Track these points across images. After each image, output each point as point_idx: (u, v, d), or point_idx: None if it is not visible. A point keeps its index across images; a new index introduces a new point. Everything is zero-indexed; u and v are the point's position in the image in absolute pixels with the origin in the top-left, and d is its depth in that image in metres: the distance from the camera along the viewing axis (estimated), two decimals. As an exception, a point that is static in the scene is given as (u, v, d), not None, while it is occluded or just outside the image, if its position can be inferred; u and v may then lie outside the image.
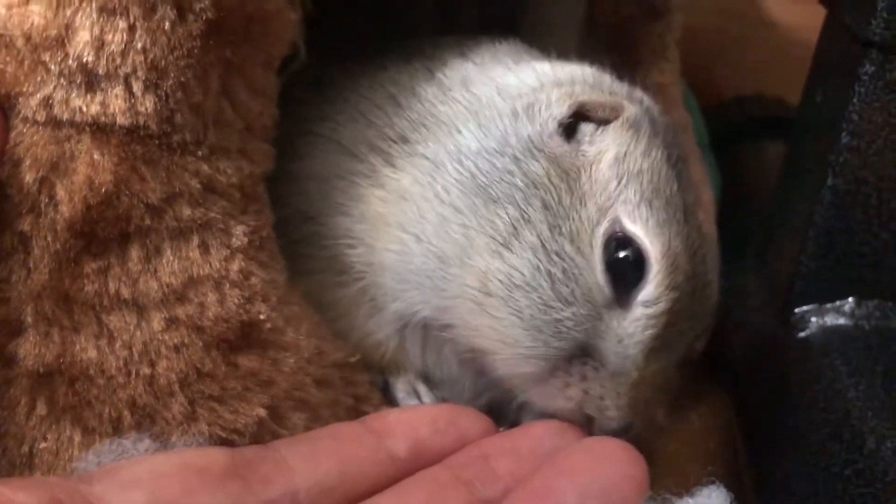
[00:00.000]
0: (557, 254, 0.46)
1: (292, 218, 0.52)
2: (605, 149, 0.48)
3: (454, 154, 0.50)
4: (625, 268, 0.46)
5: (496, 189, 0.48)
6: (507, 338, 0.47)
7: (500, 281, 0.47)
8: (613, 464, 0.40)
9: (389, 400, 0.54)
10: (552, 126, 0.49)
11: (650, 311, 0.46)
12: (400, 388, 0.54)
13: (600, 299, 0.46)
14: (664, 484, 0.48)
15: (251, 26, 0.45)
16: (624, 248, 0.46)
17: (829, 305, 0.63)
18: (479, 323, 0.48)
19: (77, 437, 0.44)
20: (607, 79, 0.54)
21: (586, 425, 0.48)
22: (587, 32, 0.71)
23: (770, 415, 0.63)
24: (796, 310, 0.63)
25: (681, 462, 0.68)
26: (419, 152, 0.51)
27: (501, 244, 0.47)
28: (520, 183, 0.48)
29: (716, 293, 0.51)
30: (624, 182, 0.47)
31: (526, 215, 0.47)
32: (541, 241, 0.46)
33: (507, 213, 0.47)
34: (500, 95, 0.51)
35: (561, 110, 0.49)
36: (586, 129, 0.50)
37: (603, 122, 0.50)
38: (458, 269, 0.48)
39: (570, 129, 0.50)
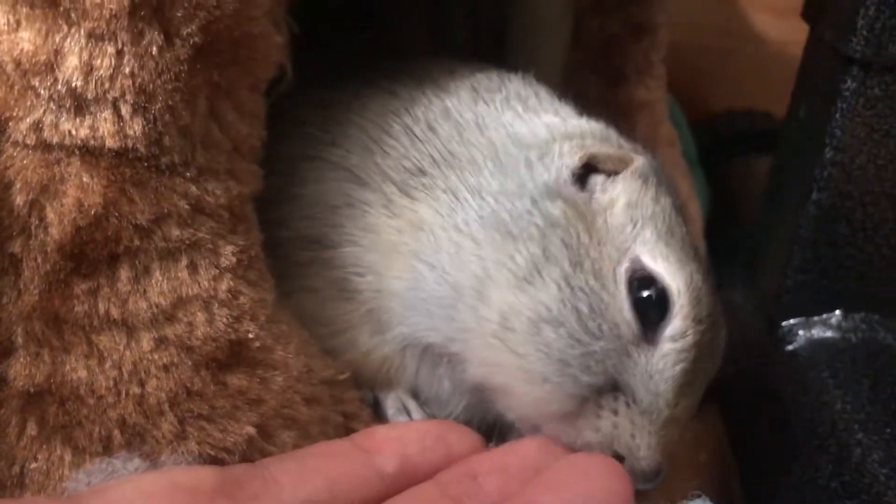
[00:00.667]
0: (582, 289, 0.47)
1: (296, 241, 0.53)
2: (616, 197, 0.50)
3: (475, 190, 0.51)
4: (649, 305, 0.47)
5: (516, 226, 0.49)
6: (533, 375, 0.47)
7: (526, 316, 0.47)
8: (598, 479, 0.40)
9: (379, 416, 0.54)
10: (566, 174, 0.50)
11: (678, 345, 0.47)
12: (390, 404, 0.54)
13: (628, 335, 0.47)
14: (652, 497, 0.48)
15: (238, 49, 0.46)
16: (646, 287, 0.47)
17: (815, 318, 0.63)
18: (501, 360, 0.48)
19: (67, 457, 0.44)
20: (613, 133, 0.56)
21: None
22: (573, 49, 0.71)
23: (758, 427, 0.64)
24: (783, 323, 0.64)
25: (672, 474, 0.68)
26: (439, 185, 0.52)
27: (523, 279, 0.47)
28: (539, 222, 0.48)
29: (724, 336, 0.51)
30: (639, 225, 0.49)
31: (547, 252, 0.48)
32: (564, 277, 0.47)
33: (527, 250, 0.48)
34: (513, 144, 0.53)
35: (573, 160, 0.50)
36: (596, 179, 0.51)
37: (612, 174, 0.51)
38: (473, 300, 0.48)
39: (581, 179, 0.51)
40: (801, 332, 0.63)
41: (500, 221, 0.49)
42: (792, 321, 0.64)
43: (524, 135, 0.53)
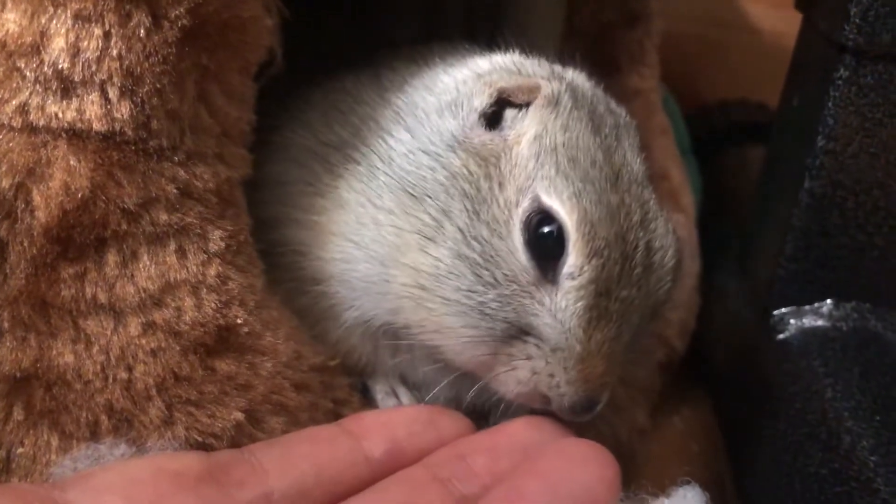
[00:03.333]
0: (476, 239, 0.47)
1: (259, 226, 0.53)
2: (524, 130, 0.49)
3: (384, 157, 0.51)
4: (549, 243, 0.46)
5: (421, 187, 0.49)
6: (442, 327, 0.48)
7: (428, 273, 0.48)
8: (585, 466, 0.40)
9: (369, 402, 0.54)
10: (473, 117, 0.50)
11: (576, 282, 0.46)
12: (379, 389, 0.54)
13: (526, 278, 0.47)
14: (642, 484, 0.48)
15: (227, 33, 0.46)
16: (546, 224, 0.46)
17: (807, 307, 0.63)
18: (420, 318, 0.49)
19: (55, 442, 0.44)
20: (530, 62, 0.55)
21: (547, 405, 0.48)
22: (567, 37, 0.71)
23: (749, 415, 0.64)
24: (775, 312, 0.64)
25: (663, 463, 0.68)
26: (354, 158, 0.52)
27: (427, 238, 0.48)
28: (441, 177, 0.49)
29: (668, 261, 0.50)
30: (542, 158, 0.48)
31: (447, 208, 0.48)
32: (460, 231, 0.47)
33: (431, 209, 0.48)
34: (431, 94, 0.53)
35: (482, 100, 0.50)
36: (510, 114, 0.50)
37: (525, 106, 0.50)
38: (395, 269, 0.49)
39: (495, 116, 0.50)
40: (792, 321, 0.63)
41: (408, 184, 0.49)
42: (783, 310, 0.64)
43: (444, 82, 0.53)
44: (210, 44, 0.45)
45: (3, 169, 0.42)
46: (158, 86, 0.43)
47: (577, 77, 0.54)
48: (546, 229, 0.46)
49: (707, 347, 0.73)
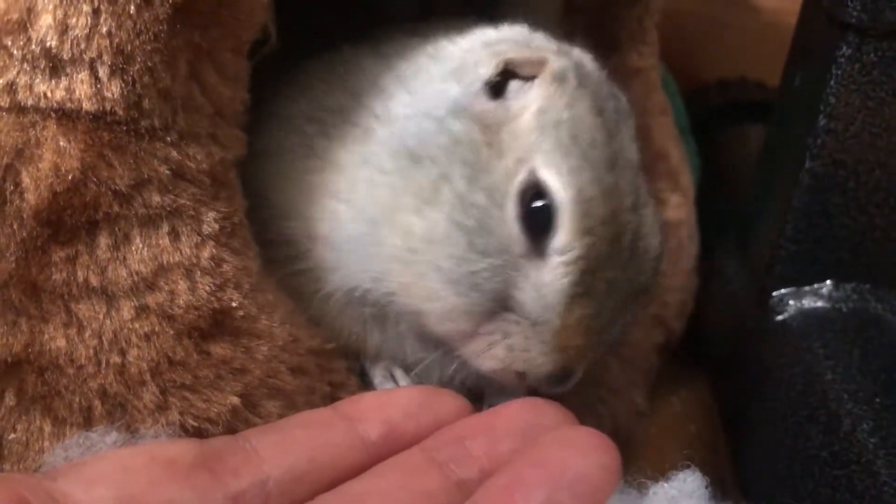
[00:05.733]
0: (473, 205, 0.47)
1: (253, 203, 0.52)
2: (529, 103, 0.48)
3: (384, 119, 0.51)
4: (542, 217, 0.46)
5: (422, 150, 0.49)
6: (430, 292, 0.48)
7: (420, 236, 0.47)
8: (585, 453, 0.40)
9: (367, 386, 0.54)
10: (478, 85, 0.50)
11: (565, 258, 0.46)
12: (377, 373, 0.54)
13: (517, 250, 0.46)
14: (640, 466, 0.48)
15: (220, 10, 0.45)
16: (541, 198, 0.46)
17: (807, 288, 0.63)
18: (407, 281, 0.48)
19: (47, 428, 0.43)
20: (538, 36, 0.54)
21: (520, 383, 0.48)
22: (567, 15, 0.70)
23: (748, 397, 0.64)
24: (774, 293, 0.63)
25: (661, 445, 0.68)
26: (351, 120, 0.52)
27: (423, 201, 0.47)
28: (444, 142, 0.48)
29: (654, 249, 0.50)
30: (543, 133, 0.47)
31: (447, 172, 0.47)
32: (458, 196, 0.47)
33: (431, 172, 0.48)
34: (434, 60, 0.52)
35: (488, 69, 0.50)
36: (514, 85, 0.50)
37: (530, 79, 0.50)
38: (386, 229, 0.49)
39: (499, 87, 0.50)
40: (792, 302, 0.63)
41: (407, 147, 0.49)
42: (783, 291, 0.63)
43: (448, 49, 0.53)
44: (202, 21, 0.44)
45: (-9, 150, 0.41)
46: (150, 64, 0.42)
47: (583, 56, 0.54)
48: (540, 203, 0.46)
49: (705, 329, 0.72)
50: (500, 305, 0.47)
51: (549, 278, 0.46)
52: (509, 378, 0.48)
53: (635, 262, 0.49)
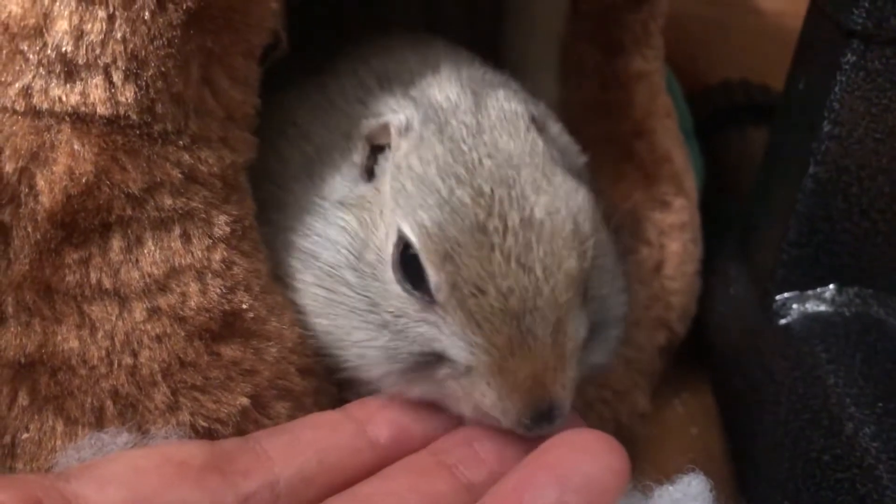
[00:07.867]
0: (365, 294, 0.47)
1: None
2: (386, 170, 0.48)
3: (285, 205, 0.52)
4: (415, 268, 0.45)
5: (312, 247, 0.49)
6: (362, 369, 0.48)
7: (330, 336, 0.49)
8: (594, 455, 0.40)
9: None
10: (355, 173, 0.50)
11: (442, 294, 0.43)
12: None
13: (413, 308, 0.45)
14: (644, 468, 0.48)
15: (232, 15, 0.45)
16: (407, 250, 0.45)
17: (809, 292, 0.63)
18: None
19: (60, 428, 0.44)
20: (378, 94, 0.53)
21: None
22: (571, 19, 0.70)
23: (750, 400, 0.64)
24: (777, 297, 0.64)
25: (664, 447, 0.68)
26: (271, 219, 0.52)
27: (324, 305, 0.49)
28: (332, 236, 0.49)
29: (562, 230, 0.44)
30: (399, 193, 0.46)
31: (336, 267, 0.48)
32: (352, 288, 0.47)
33: (321, 270, 0.48)
34: (341, 138, 0.52)
35: (360, 156, 0.50)
36: (382, 158, 0.49)
37: (388, 145, 0.49)
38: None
39: (371, 168, 0.50)
40: (794, 306, 0.63)
41: (308, 251, 0.49)
42: (786, 295, 0.63)
43: (354, 125, 0.52)
44: (214, 26, 0.45)
45: (7, 153, 0.42)
46: (163, 69, 0.43)
47: (444, 82, 0.51)
48: (409, 255, 0.45)
49: (708, 331, 0.73)
50: (435, 359, 0.45)
51: (450, 320, 0.44)
52: (491, 422, 0.45)
53: (539, 254, 0.43)
